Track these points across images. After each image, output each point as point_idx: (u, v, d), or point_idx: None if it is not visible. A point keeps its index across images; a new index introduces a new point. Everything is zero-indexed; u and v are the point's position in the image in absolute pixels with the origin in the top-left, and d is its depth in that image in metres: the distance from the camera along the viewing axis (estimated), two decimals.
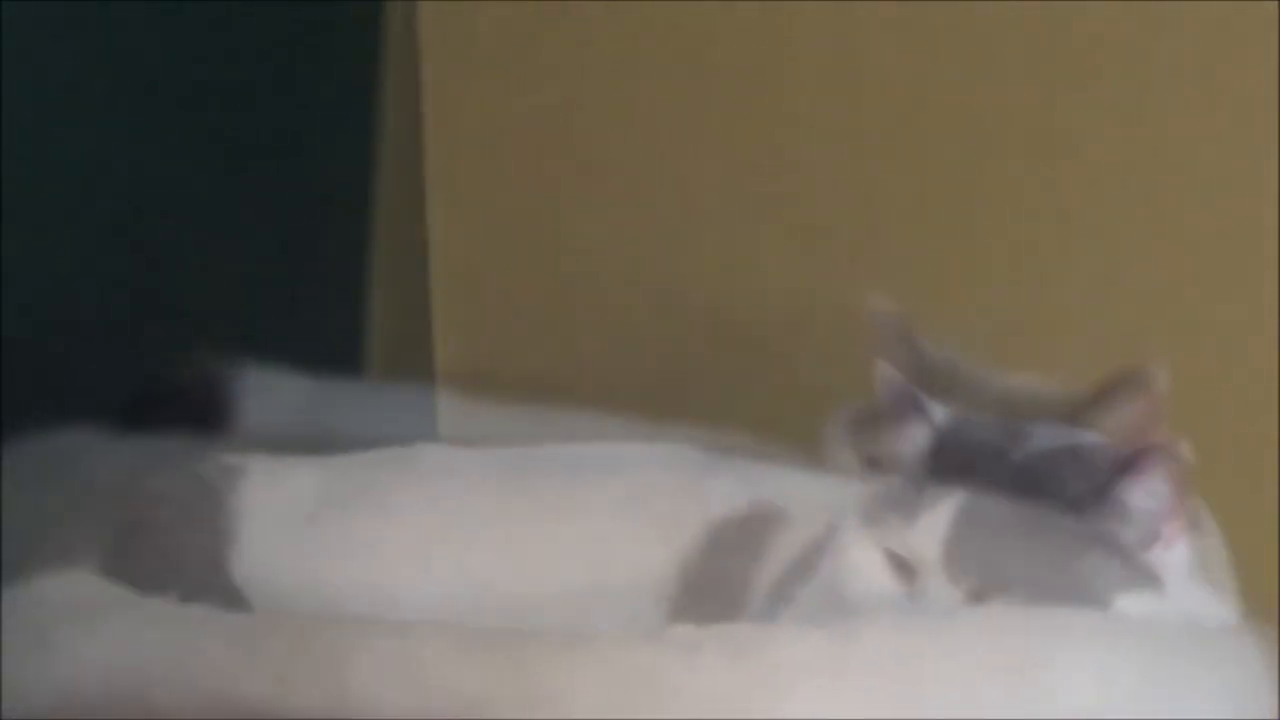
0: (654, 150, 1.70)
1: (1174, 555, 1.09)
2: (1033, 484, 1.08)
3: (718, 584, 1.17)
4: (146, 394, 1.45)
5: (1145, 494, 1.09)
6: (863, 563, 1.09)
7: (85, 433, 1.30)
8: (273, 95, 1.63)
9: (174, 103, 1.53)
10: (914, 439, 1.13)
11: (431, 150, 1.76)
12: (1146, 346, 1.41)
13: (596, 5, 1.70)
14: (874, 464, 1.20)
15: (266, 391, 1.47)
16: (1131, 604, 1.06)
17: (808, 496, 1.18)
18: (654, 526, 1.21)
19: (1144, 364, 1.14)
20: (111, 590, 1.16)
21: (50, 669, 1.07)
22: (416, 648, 1.01)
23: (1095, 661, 1.03)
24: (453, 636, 1.02)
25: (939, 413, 1.13)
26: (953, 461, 1.09)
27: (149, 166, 1.52)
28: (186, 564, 1.20)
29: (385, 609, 1.15)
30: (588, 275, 1.73)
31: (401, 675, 1.00)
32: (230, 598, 1.17)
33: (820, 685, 0.98)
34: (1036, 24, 1.55)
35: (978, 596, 1.05)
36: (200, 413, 1.43)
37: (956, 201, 1.59)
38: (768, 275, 1.66)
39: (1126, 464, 1.08)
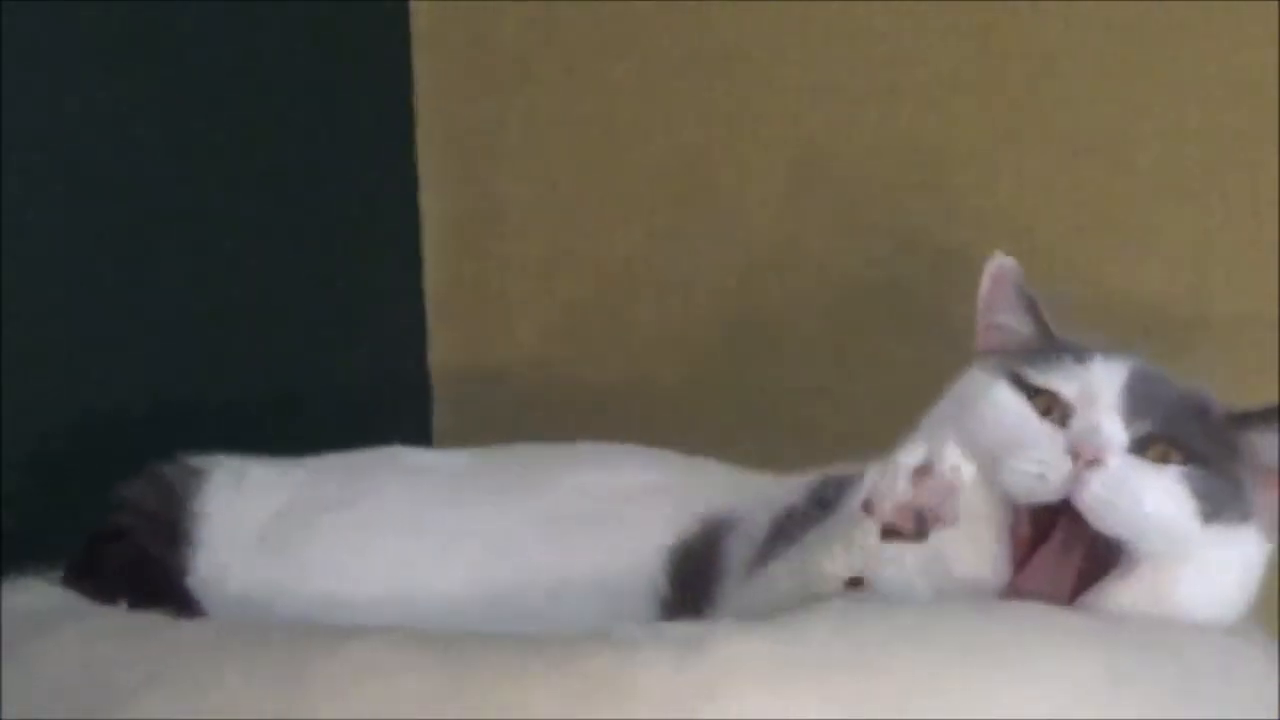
0: (658, 145, 1.69)
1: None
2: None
3: (703, 580, 1.18)
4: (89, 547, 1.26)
5: (1272, 447, 1.12)
6: (1008, 402, 1.12)
7: None
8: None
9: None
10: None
11: (424, 151, 1.76)
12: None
13: (594, 5, 1.69)
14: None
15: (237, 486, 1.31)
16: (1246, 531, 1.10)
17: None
18: (637, 525, 1.22)
19: None
20: (67, 600, 1.16)
21: (11, 681, 1.07)
22: (375, 654, 1.00)
23: (1052, 660, 1.02)
24: (410, 641, 1.01)
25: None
26: None
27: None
28: (144, 569, 1.20)
29: (350, 614, 1.16)
30: (596, 273, 1.72)
31: (360, 681, 0.99)
32: (185, 604, 1.17)
33: (765, 683, 0.97)
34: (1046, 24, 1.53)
35: (1143, 446, 1.09)
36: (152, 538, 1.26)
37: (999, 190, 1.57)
38: (777, 269, 1.65)
39: (1266, 414, 1.13)
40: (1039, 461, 1.08)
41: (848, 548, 1.06)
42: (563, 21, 1.71)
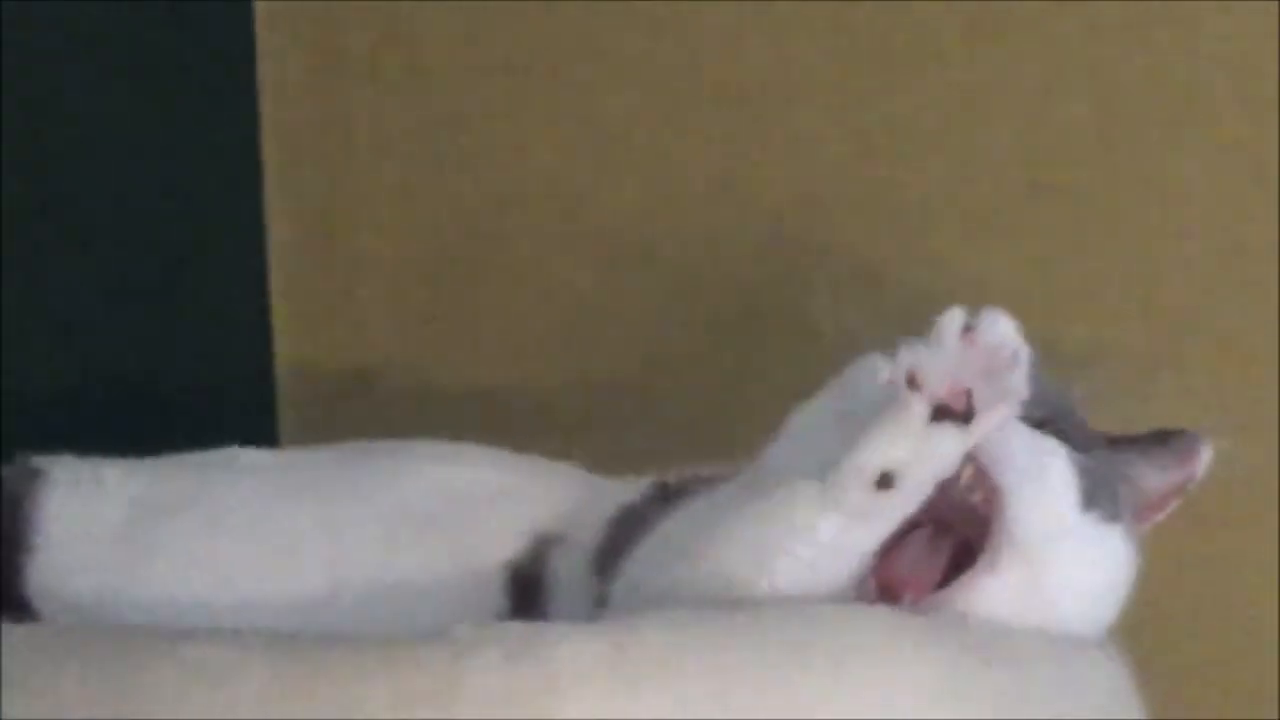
0: (508, 146, 1.70)
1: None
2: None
3: (535, 600, 1.17)
4: None
5: (1150, 468, 1.11)
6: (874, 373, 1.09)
7: None
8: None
9: None
10: None
11: (269, 147, 1.75)
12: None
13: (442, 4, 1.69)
14: None
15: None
16: (1117, 532, 1.07)
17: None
18: (481, 534, 1.20)
19: (1200, 433, 1.13)
20: None
21: None
22: (207, 655, 0.98)
23: (889, 665, 1.01)
24: (243, 642, 1.00)
25: None
26: None
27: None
28: None
29: (194, 619, 1.15)
30: (442, 275, 1.72)
31: (193, 684, 0.98)
32: (20, 612, 1.16)
33: (599, 685, 0.96)
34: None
35: (1040, 424, 1.06)
36: None
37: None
38: (634, 271, 1.66)
39: (1148, 437, 1.12)
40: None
41: (892, 434, 1.00)
42: (410, 20, 1.70)
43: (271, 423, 1.75)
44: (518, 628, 1.01)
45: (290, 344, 1.76)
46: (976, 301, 1.46)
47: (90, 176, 1.59)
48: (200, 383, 1.69)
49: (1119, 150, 1.50)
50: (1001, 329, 0.99)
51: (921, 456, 1.00)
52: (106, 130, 1.60)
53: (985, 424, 0.99)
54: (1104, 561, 1.09)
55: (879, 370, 1.10)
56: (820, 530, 1.02)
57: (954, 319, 0.98)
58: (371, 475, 1.26)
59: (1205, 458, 1.12)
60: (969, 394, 0.98)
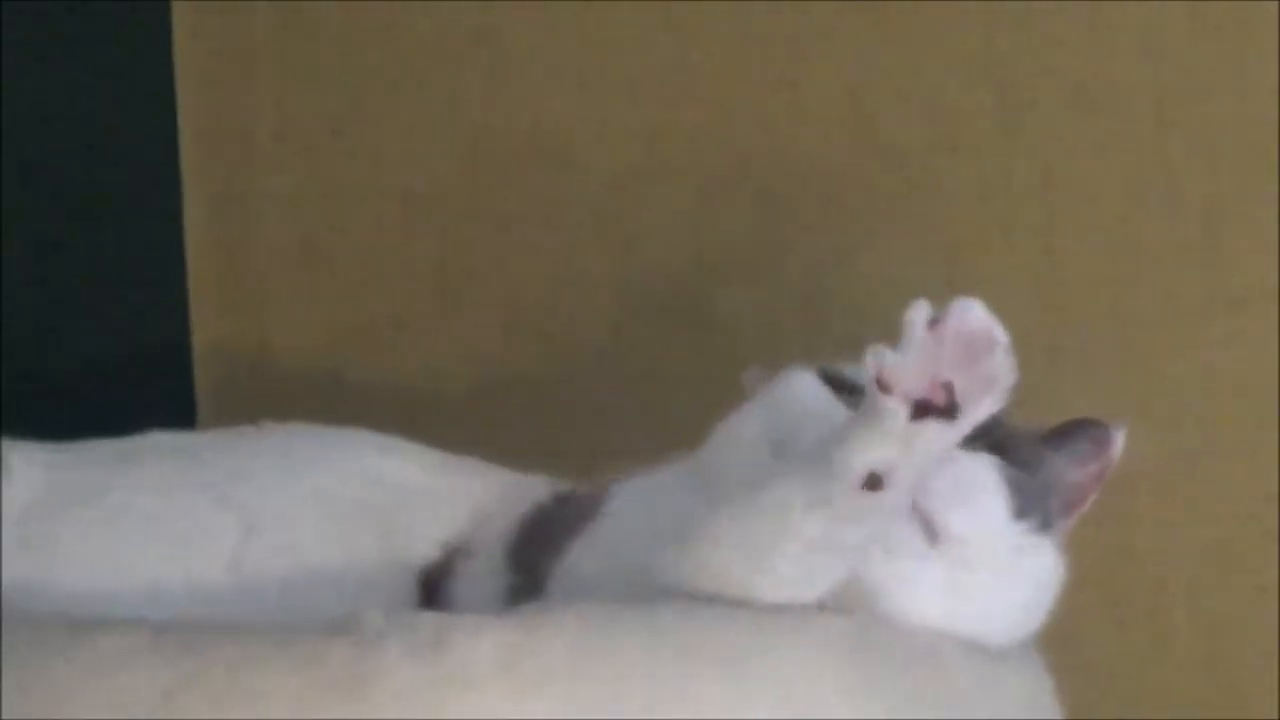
0: (418, 137, 1.70)
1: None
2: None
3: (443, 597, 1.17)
4: None
5: (1070, 464, 1.11)
6: (815, 391, 1.09)
7: None
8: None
9: None
10: None
11: (186, 134, 1.75)
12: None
13: None
14: None
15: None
16: (1047, 543, 1.07)
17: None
18: (398, 531, 1.20)
19: (1108, 420, 1.12)
20: None
21: None
22: (109, 647, 0.98)
23: (797, 665, 1.01)
24: (146, 634, 0.99)
25: None
26: None
27: None
28: None
29: (104, 609, 1.13)
30: (351, 265, 1.72)
31: (95, 677, 0.98)
32: None
33: (510, 679, 0.96)
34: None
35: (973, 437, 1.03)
36: None
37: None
38: (551, 257, 1.65)
39: (1060, 431, 1.11)
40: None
41: (873, 437, 0.96)
42: (314, 11, 1.70)
43: (190, 405, 1.75)
44: (430, 618, 1.01)
45: (207, 326, 1.76)
46: (874, 294, 1.50)
47: (11, 157, 1.59)
48: (119, 365, 1.69)
49: (1017, 140, 1.51)
50: (973, 316, 0.95)
51: (908, 456, 0.97)
52: (29, 116, 1.60)
53: (974, 415, 0.96)
54: (1034, 572, 1.09)
55: (806, 385, 1.11)
56: (811, 531, 0.99)
57: (918, 313, 0.95)
58: (290, 459, 1.25)
59: (1119, 444, 1.12)
60: (949, 387, 0.95)
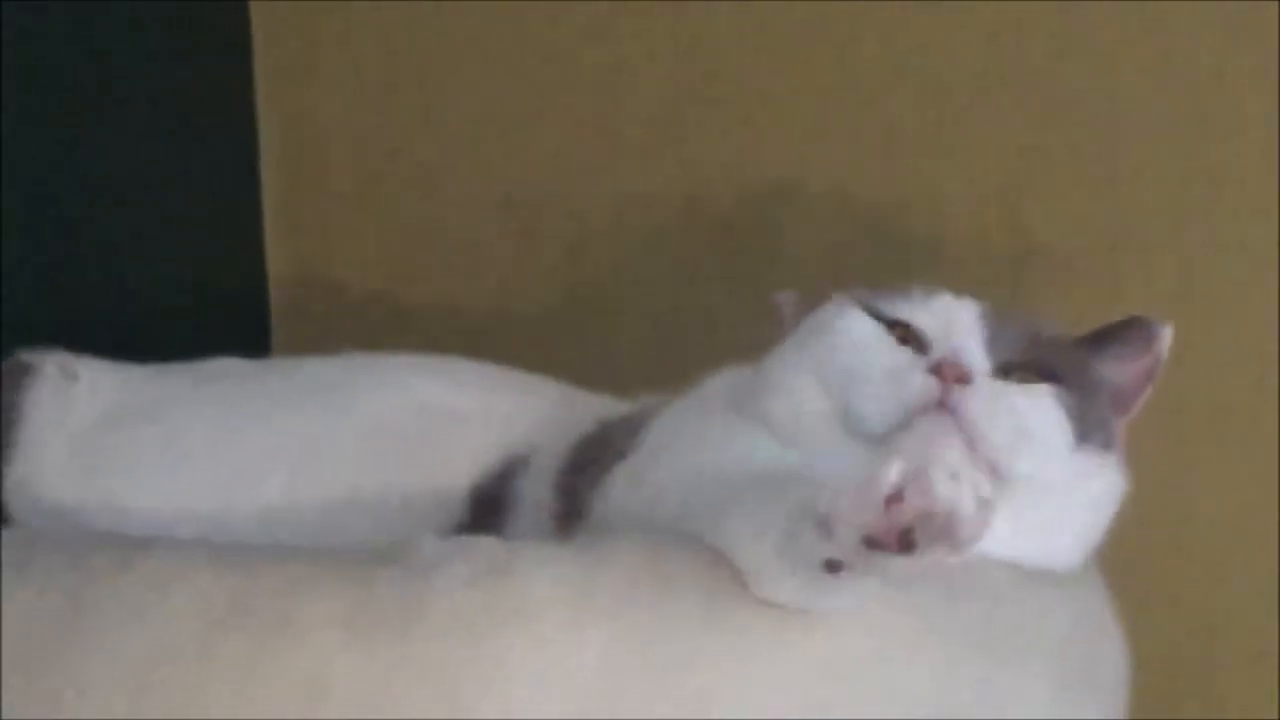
0: (487, 62, 1.69)
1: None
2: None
3: (496, 520, 1.15)
4: None
5: (1117, 364, 1.10)
6: (863, 328, 1.07)
7: None
8: None
9: None
10: None
11: (261, 63, 1.74)
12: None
13: None
14: None
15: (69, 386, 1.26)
16: (1109, 462, 1.06)
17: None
18: (449, 446, 1.19)
19: (1155, 319, 1.12)
20: None
21: None
22: (162, 567, 0.98)
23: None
24: (198, 554, 0.99)
25: None
26: None
27: None
28: None
29: (161, 529, 1.13)
30: (425, 184, 1.71)
31: (147, 595, 0.97)
32: None
33: (565, 610, 0.95)
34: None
35: (1005, 373, 1.04)
36: None
37: None
38: (613, 181, 1.64)
39: (1105, 333, 1.10)
40: (899, 384, 1.02)
41: (823, 547, 0.90)
42: None
43: (265, 334, 1.75)
44: (486, 546, 0.99)
45: (281, 257, 1.76)
46: (939, 209, 1.48)
47: (89, 88, 1.58)
48: (196, 297, 1.69)
49: (1077, 47, 1.48)
50: (935, 496, 0.87)
51: (862, 565, 0.91)
52: (105, 47, 1.59)
53: (932, 558, 0.88)
54: (1098, 494, 1.08)
55: (855, 324, 1.09)
56: (787, 589, 0.94)
57: (876, 487, 0.88)
58: (347, 389, 1.24)
59: (1166, 341, 1.10)
60: (909, 531, 0.88)
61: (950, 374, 1.02)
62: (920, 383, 1.02)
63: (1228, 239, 1.44)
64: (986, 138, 1.50)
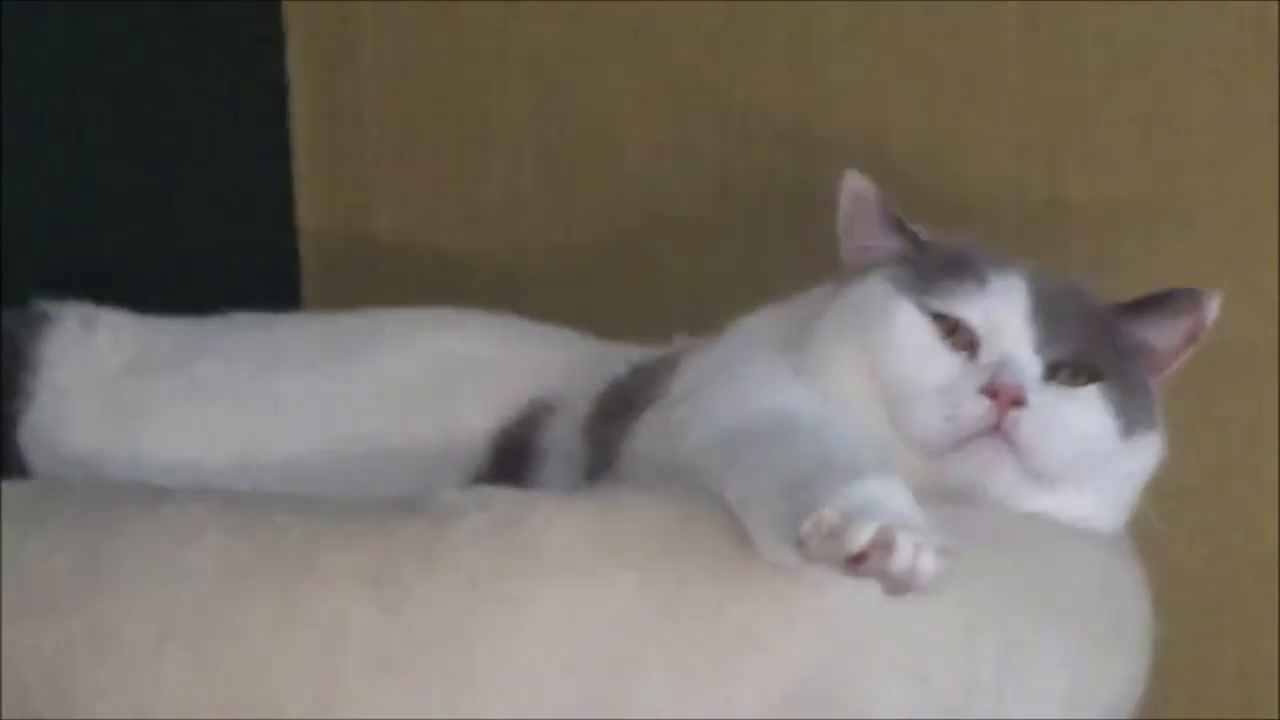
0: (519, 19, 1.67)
1: None
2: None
3: (521, 466, 1.15)
4: None
5: (1165, 329, 1.10)
6: (915, 328, 1.05)
7: None
8: None
9: None
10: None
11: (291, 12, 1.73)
12: None
13: None
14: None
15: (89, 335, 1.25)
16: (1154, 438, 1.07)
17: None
18: (470, 396, 1.18)
19: (1203, 289, 1.11)
20: None
21: None
22: (181, 516, 0.97)
23: None
24: (217, 503, 0.98)
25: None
26: None
27: None
28: None
29: (184, 479, 1.12)
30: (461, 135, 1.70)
31: (165, 543, 0.96)
32: (12, 461, 1.14)
33: (584, 560, 0.94)
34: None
35: (1055, 371, 1.04)
36: None
37: None
38: (654, 131, 1.63)
39: (1154, 298, 1.10)
40: (952, 404, 1.02)
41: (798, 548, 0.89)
42: None
43: (295, 288, 1.74)
44: (504, 495, 0.98)
45: (313, 210, 1.75)
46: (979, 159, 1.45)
47: (121, 43, 1.58)
48: (227, 249, 1.68)
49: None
50: (897, 562, 0.86)
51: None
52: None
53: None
54: (1140, 467, 1.08)
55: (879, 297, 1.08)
56: (781, 557, 0.92)
57: (842, 544, 0.86)
58: (369, 343, 1.23)
59: (1214, 309, 1.10)
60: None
61: (1005, 397, 1.02)
62: (974, 407, 1.02)
63: (1269, 191, 1.42)
64: (1027, 88, 1.49)
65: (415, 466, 1.16)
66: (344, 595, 0.93)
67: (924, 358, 1.05)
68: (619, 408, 1.12)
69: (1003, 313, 1.06)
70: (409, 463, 1.16)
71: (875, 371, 1.05)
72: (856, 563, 0.86)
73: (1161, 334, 1.10)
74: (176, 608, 0.94)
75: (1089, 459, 1.04)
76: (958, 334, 1.06)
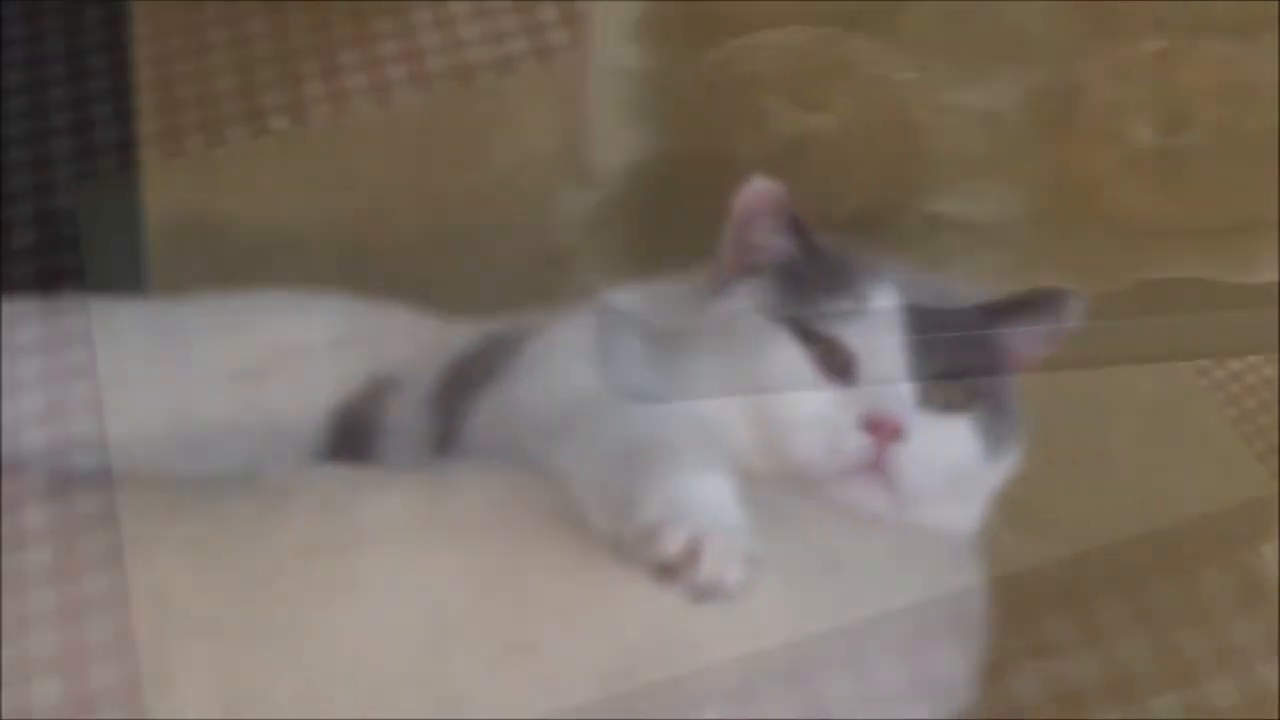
0: None
1: None
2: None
3: (362, 442, 1.14)
4: None
5: (1024, 335, 1.08)
6: (792, 363, 1.04)
7: None
8: None
9: None
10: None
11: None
12: None
13: None
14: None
15: None
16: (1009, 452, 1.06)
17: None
18: (311, 380, 1.18)
19: (1065, 289, 1.10)
20: None
21: None
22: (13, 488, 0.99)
23: None
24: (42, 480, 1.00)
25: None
26: None
27: None
28: None
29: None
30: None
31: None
32: None
33: (413, 536, 0.95)
34: None
35: (929, 394, 1.02)
36: None
37: None
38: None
39: (1018, 303, 1.07)
40: (830, 439, 1.01)
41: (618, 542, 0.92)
42: None
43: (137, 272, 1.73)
44: (332, 472, 1.00)
45: (157, 194, 1.74)
46: None
47: None
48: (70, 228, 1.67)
49: None
50: (703, 572, 0.88)
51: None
52: None
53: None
54: (999, 472, 1.07)
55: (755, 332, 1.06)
56: (608, 537, 0.94)
57: (651, 552, 0.88)
58: (205, 331, 1.23)
59: (1077, 310, 1.08)
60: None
61: (885, 430, 1.00)
62: (854, 444, 1.01)
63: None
64: None
65: (253, 446, 1.15)
66: (169, 566, 0.94)
67: (800, 388, 1.04)
68: (468, 380, 1.12)
69: (880, 334, 1.04)
70: (248, 441, 1.16)
71: (746, 400, 1.04)
72: (665, 572, 0.87)
73: (1026, 337, 1.09)
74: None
75: (957, 483, 1.04)
76: (834, 354, 1.04)
